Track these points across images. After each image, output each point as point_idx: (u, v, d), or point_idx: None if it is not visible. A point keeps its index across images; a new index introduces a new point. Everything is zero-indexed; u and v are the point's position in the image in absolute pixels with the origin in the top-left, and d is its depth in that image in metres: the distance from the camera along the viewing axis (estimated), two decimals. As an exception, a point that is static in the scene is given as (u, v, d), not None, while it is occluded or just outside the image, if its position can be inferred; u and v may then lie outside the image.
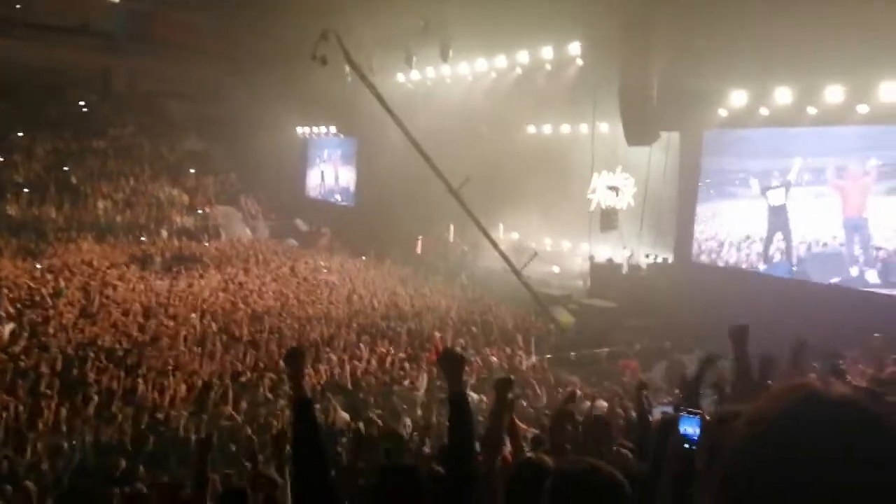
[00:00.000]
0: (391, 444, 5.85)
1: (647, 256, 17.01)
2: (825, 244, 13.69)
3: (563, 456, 3.92)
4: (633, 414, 6.40)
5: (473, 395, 8.99)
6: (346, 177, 28.91)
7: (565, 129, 19.75)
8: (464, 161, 16.63)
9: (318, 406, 7.81)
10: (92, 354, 10.87)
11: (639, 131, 15.38)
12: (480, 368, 11.32)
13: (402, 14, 18.24)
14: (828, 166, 13.58)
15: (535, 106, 19.20)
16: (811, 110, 13.31)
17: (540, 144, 20.31)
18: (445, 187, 15.78)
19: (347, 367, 10.84)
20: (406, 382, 10.59)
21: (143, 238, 24.24)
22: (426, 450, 6.70)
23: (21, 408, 8.57)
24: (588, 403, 8.91)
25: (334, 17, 16.84)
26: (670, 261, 16.76)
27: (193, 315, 14.01)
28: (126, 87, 30.92)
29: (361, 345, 12.30)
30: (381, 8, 18.46)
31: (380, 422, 8.01)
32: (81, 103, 29.83)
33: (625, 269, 17.04)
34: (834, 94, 12.80)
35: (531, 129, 20.90)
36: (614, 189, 18.24)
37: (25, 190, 25.33)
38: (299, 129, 30.56)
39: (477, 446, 3.40)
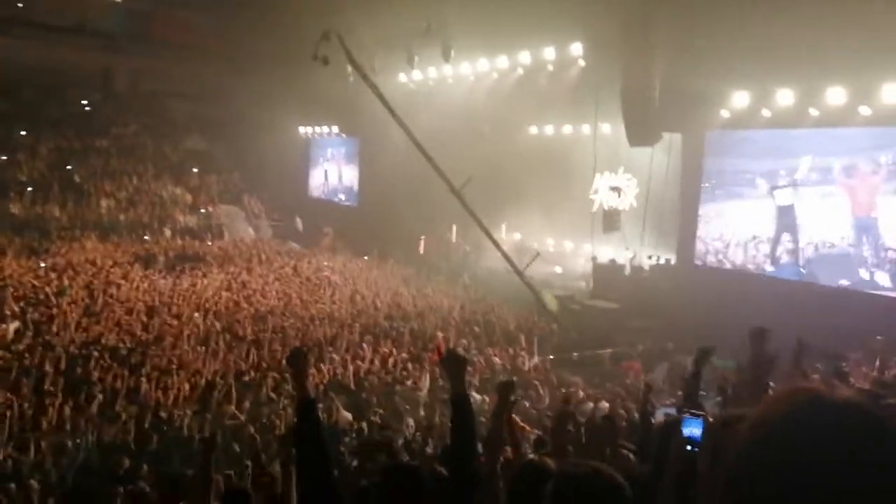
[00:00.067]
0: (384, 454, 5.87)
1: (649, 257, 17.00)
2: (833, 245, 13.46)
3: (565, 457, 3.94)
4: (636, 415, 6.42)
5: (476, 396, 9.01)
6: (350, 176, 28.93)
7: (567, 129, 19.75)
8: (466, 161, 16.63)
9: (320, 406, 7.82)
10: (96, 353, 10.88)
11: (641, 132, 15.39)
12: (483, 369, 11.34)
13: (403, 14, 18.23)
14: (836, 165, 13.37)
15: (537, 106, 19.20)
16: (813, 112, 13.28)
17: (542, 145, 20.31)
18: (448, 187, 15.78)
19: (350, 367, 10.86)
20: (409, 382, 10.60)
21: (146, 237, 24.26)
22: (429, 450, 6.71)
23: (25, 406, 8.61)
24: (591, 405, 8.91)
25: (336, 17, 16.84)
26: (673, 262, 16.76)
27: (197, 314, 14.03)
28: (127, 87, 30.96)
29: (364, 345, 12.32)
30: (382, 8, 18.47)
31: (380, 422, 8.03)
32: (84, 102, 29.87)
33: (627, 270, 17.04)
34: (836, 95, 12.78)
35: (533, 129, 20.91)
36: (616, 190, 18.24)
37: (29, 189, 25.37)
38: (301, 129, 30.59)
39: (480, 447, 3.42)
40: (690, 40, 13.99)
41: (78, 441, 7.78)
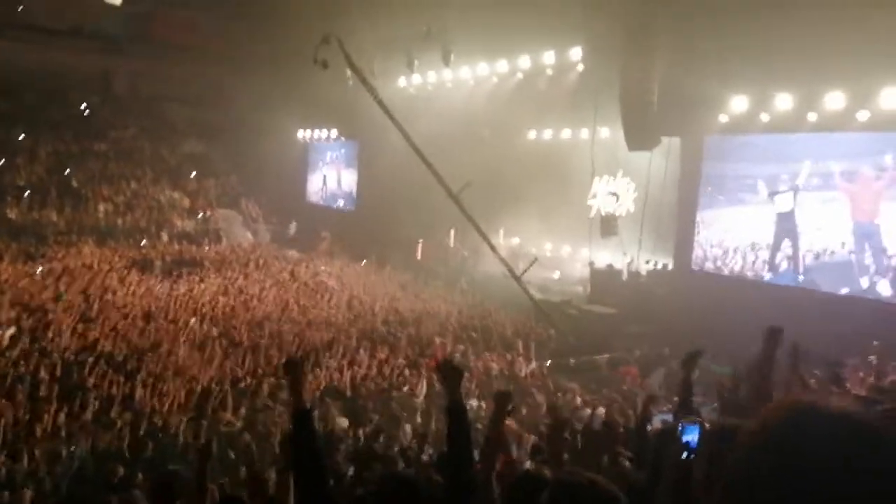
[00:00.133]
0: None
1: (647, 263, 17.00)
2: (833, 252, 13.29)
3: (561, 465, 3.92)
4: (632, 421, 6.40)
5: (473, 402, 8.99)
6: (349, 179, 28.94)
7: (566, 133, 19.76)
8: (465, 166, 16.62)
9: (316, 412, 7.79)
10: (91, 359, 10.84)
11: (639, 136, 15.39)
12: (480, 374, 11.31)
13: (403, 18, 18.28)
14: (835, 170, 13.30)
15: (537, 111, 19.23)
16: (812, 116, 13.29)
17: (541, 149, 20.32)
18: (446, 192, 15.77)
19: (347, 373, 10.83)
20: (405, 388, 10.58)
21: (143, 242, 24.22)
22: (425, 457, 6.68)
23: (20, 413, 8.56)
24: (588, 411, 8.89)
25: (336, 20, 16.86)
26: (670, 267, 16.76)
27: (193, 319, 14.00)
28: (127, 90, 30.94)
29: (361, 350, 12.29)
30: (382, 12, 18.52)
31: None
32: (83, 106, 29.86)
33: (625, 276, 17.03)
34: (834, 100, 12.79)
35: (532, 133, 20.92)
36: (615, 195, 18.24)
37: (27, 193, 25.32)
38: (300, 133, 30.61)
39: (476, 454, 3.40)
40: (689, 44, 14.03)
41: (72, 449, 7.73)
